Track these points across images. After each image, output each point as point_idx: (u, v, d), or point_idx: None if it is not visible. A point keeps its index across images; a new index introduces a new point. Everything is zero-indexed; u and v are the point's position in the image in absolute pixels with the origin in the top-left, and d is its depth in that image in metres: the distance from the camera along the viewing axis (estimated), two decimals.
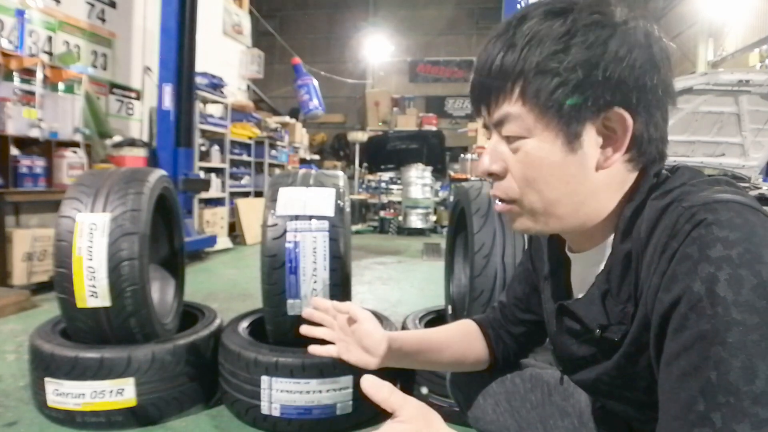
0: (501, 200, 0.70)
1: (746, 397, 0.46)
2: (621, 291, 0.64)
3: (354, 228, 7.81)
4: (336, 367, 1.74)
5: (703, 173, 0.64)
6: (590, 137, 0.63)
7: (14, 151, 3.66)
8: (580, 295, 0.72)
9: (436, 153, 11.19)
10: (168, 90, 4.67)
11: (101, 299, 1.74)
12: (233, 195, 6.78)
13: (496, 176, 0.69)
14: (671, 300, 0.53)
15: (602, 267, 0.68)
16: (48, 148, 3.89)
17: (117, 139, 4.83)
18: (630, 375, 0.65)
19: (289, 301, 1.77)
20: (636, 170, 0.66)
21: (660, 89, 0.64)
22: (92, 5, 4.98)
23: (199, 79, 5.42)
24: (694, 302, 0.50)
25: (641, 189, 0.64)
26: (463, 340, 0.98)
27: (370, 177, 10.07)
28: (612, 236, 0.67)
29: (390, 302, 3.68)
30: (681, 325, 0.52)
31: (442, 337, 0.97)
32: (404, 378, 1.98)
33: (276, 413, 1.74)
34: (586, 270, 0.72)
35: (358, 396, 1.77)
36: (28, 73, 3.94)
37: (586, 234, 0.69)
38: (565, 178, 0.64)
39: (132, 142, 4.81)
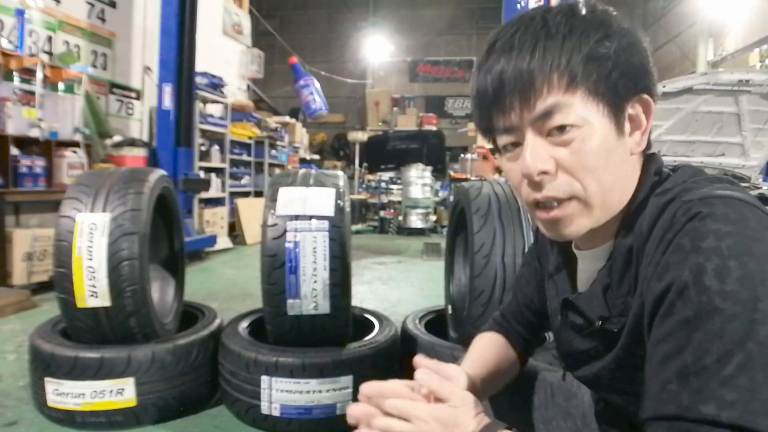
0: (551, 203, 0.65)
1: (715, 380, 0.48)
2: (622, 285, 0.66)
3: (354, 228, 7.81)
4: (336, 367, 1.74)
5: (704, 172, 0.65)
6: (625, 121, 0.66)
7: (14, 151, 3.66)
8: (585, 289, 0.73)
9: (436, 153, 11.19)
10: (168, 90, 4.67)
11: (101, 299, 1.74)
12: (233, 195, 6.78)
13: (546, 176, 0.64)
14: (662, 288, 0.54)
15: (605, 263, 0.69)
16: (48, 148, 3.89)
17: (117, 139, 4.83)
18: (630, 367, 0.66)
19: (289, 301, 1.77)
20: (641, 158, 0.69)
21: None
22: (92, 5, 4.98)
23: (199, 79, 5.42)
24: (681, 290, 0.52)
25: (644, 187, 0.66)
26: (504, 353, 0.95)
27: (370, 177, 10.08)
28: (615, 233, 0.68)
29: (390, 302, 3.68)
30: (668, 312, 0.53)
31: (493, 356, 0.92)
32: (404, 379, 1.98)
33: (276, 413, 1.74)
34: (592, 266, 0.73)
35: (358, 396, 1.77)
36: (28, 73, 3.94)
37: (593, 233, 0.70)
38: (618, 162, 0.65)
39: (132, 142, 4.81)
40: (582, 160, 0.63)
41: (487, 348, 0.94)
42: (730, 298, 0.49)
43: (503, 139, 0.68)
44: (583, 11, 0.64)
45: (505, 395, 1.00)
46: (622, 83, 0.63)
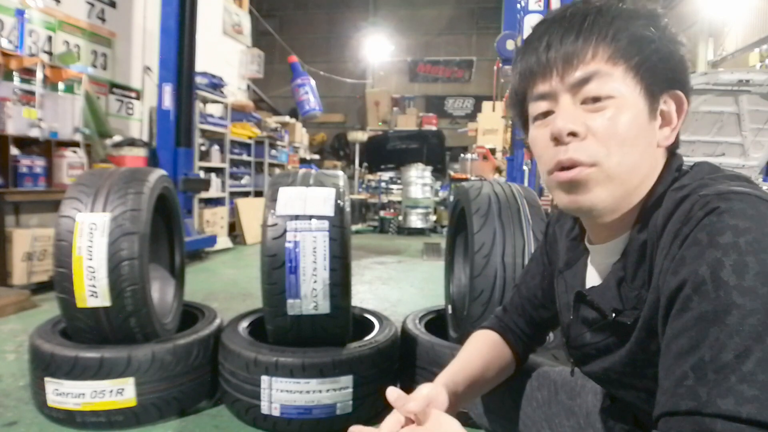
0: (571, 166, 0.65)
1: (734, 375, 0.48)
2: (636, 278, 0.66)
3: (354, 228, 7.81)
4: (336, 367, 1.74)
5: (721, 169, 0.65)
6: (656, 112, 0.67)
7: (14, 151, 3.66)
8: (597, 284, 0.74)
9: (436, 153, 11.19)
10: (168, 90, 4.66)
11: (101, 299, 1.74)
12: (233, 195, 6.77)
13: (575, 138, 0.65)
14: (678, 282, 0.54)
15: (619, 257, 0.69)
16: (48, 148, 3.89)
17: (117, 139, 4.83)
18: (641, 362, 0.66)
19: (289, 301, 1.77)
20: (666, 155, 0.70)
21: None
22: (92, 5, 4.98)
23: (199, 79, 5.42)
24: (698, 285, 0.52)
25: (664, 182, 0.66)
26: (494, 352, 0.95)
27: (370, 177, 10.07)
28: (631, 227, 0.68)
29: (390, 302, 3.68)
30: (684, 306, 0.53)
31: (480, 358, 0.92)
32: (404, 378, 1.98)
33: (276, 413, 1.74)
34: (605, 260, 0.73)
35: (358, 396, 1.77)
36: (28, 73, 3.94)
37: (609, 225, 0.70)
38: (643, 144, 0.66)
39: (132, 142, 4.81)
40: (613, 128, 0.64)
41: (476, 350, 0.94)
42: (748, 294, 0.49)
43: (537, 107, 0.70)
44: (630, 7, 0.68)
45: (508, 393, 1.00)
46: (661, 69, 0.65)
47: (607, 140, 0.64)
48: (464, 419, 1.08)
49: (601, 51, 0.65)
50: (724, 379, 0.48)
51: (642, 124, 0.65)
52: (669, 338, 0.54)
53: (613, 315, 0.68)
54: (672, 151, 0.70)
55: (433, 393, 0.76)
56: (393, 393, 0.69)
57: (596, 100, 0.65)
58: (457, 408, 0.85)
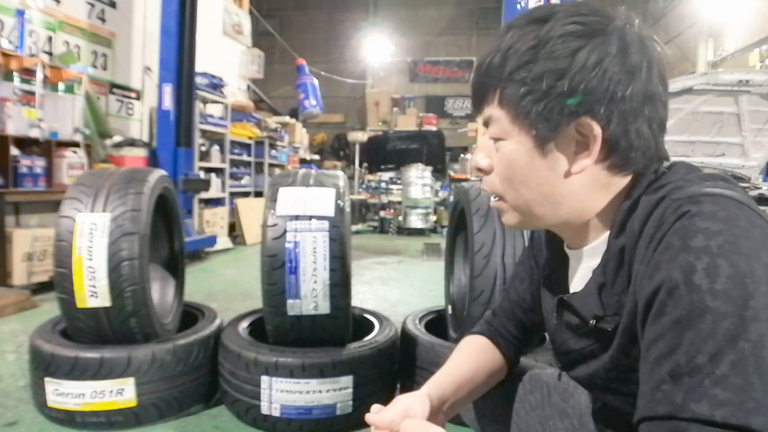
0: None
1: (708, 379, 0.48)
2: (615, 284, 0.66)
3: (354, 228, 7.81)
4: (336, 367, 1.74)
5: (698, 169, 0.65)
6: (562, 143, 0.65)
7: (14, 151, 3.66)
8: (578, 290, 0.73)
9: (436, 153, 11.20)
10: (168, 90, 4.67)
11: (101, 299, 1.74)
12: (233, 195, 6.78)
13: (483, 172, 0.74)
14: (653, 287, 0.54)
15: (599, 262, 0.69)
16: (48, 148, 3.89)
17: (117, 139, 4.83)
18: (624, 367, 0.66)
19: (289, 301, 1.77)
20: (626, 175, 0.67)
21: (637, 98, 0.63)
22: (92, 5, 4.98)
23: (199, 79, 5.42)
24: (672, 289, 0.52)
25: (639, 186, 0.65)
26: (483, 357, 0.94)
27: (370, 177, 10.08)
28: (608, 232, 0.68)
29: (390, 302, 3.68)
30: (660, 311, 0.53)
31: (468, 363, 0.92)
32: (404, 379, 1.98)
33: (276, 413, 1.74)
34: (584, 266, 0.73)
35: (358, 396, 1.77)
36: (28, 73, 3.94)
37: (579, 231, 0.71)
38: (538, 180, 0.68)
39: (132, 142, 4.81)
40: (502, 169, 0.70)
41: (464, 356, 0.94)
42: (721, 297, 0.49)
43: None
44: (537, 26, 0.64)
45: (501, 396, 0.99)
46: (551, 107, 0.63)
47: (502, 178, 0.71)
48: (458, 421, 1.08)
49: (491, 96, 0.69)
50: (698, 383, 0.48)
51: (532, 161, 0.67)
52: (647, 343, 0.55)
53: (594, 321, 0.68)
54: (636, 169, 0.66)
55: (409, 402, 0.79)
56: (374, 408, 0.78)
57: (495, 140, 0.70)
58: (447, 415, 0.85)
